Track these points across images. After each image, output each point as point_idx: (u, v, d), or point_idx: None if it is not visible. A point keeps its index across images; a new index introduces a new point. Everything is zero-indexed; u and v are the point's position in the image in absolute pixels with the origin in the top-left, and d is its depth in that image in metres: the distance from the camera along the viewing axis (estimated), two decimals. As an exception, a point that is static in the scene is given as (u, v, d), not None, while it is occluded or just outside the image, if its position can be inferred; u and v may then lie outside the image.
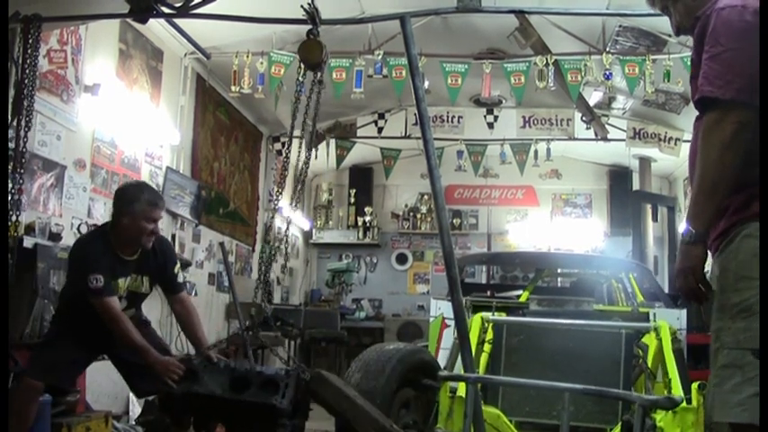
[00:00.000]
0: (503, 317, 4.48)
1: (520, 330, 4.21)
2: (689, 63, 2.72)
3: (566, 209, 12.45)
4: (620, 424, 3.48)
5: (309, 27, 3.99)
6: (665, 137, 9.04)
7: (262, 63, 7.05)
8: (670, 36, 6.90)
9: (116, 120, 6.03)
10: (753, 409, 1.91)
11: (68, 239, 5.06)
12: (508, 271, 11.64)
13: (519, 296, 6.02)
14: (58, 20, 4.69)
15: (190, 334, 4.02)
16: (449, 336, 4.87)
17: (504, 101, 9.24)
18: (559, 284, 8.83)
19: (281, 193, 4.20)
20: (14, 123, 4.28)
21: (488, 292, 6.71)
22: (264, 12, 4.84)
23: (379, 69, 7.17)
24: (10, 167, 4.20)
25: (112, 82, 5.91)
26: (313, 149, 4.42)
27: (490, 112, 9.24)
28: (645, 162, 10.85)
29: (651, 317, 4.69)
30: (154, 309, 5.51)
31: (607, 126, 9.25)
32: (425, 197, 12.31)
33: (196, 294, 7.50)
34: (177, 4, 4.59)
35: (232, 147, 8.81)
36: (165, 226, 6.61)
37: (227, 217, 8.72)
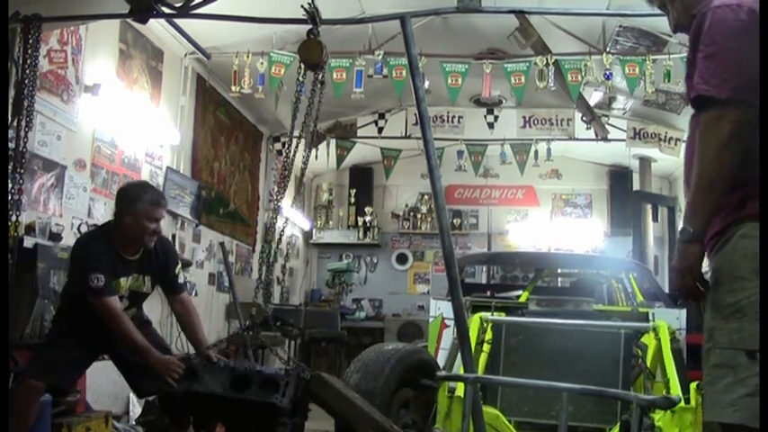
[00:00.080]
0: (502, 317, 4.49)
1: (519, 330, 4.22)
2: (688, 63, 2.71)
3: (566, 209, 12.45)
4: (618, 424, 3.48)
5: (310, 27, 3.99)
6: (666, 137, 9.05)
7: (262, 63, 7.06)
8: (670, 36, 6.90)
9: (116, 120, 6.03)
10: (744, 409, 1.91)
11: (68, 239, 5.06)
12: (508, 271, 11.64)
13: (519, 296, 6.03)
14: (59, 20, 4.69)
15: (190, 334, 4.02)
16: (448, 336, 4.88)
17: (504, 101, 9.24)
18: (559, 284, 8.83)
19: (281, 194, 4.21)
20: (14, 123, 4.29)
21: (488, 293, 6.72)
22: (264, 12, 4.84)
23: (380, 69, 7.17)
24: (10, 167, 4.20)
25: (113, 82, 5.91)
26: (313, 149, 4.42)
27: (490, 112, 9.24)
28: (645, 162, 10.85)
29: (651, 317, 4.69)
30: (154, 309, 5.51)
31: (607, 126, 9.25)
32: (425, 197, 12.31)
33: (196, 294, 7.51)
34: (177, 4, 4.60)
35: (232, 147, 8.81)
36: (165, 226, 6.60)
37: (228, 217, 8.73)
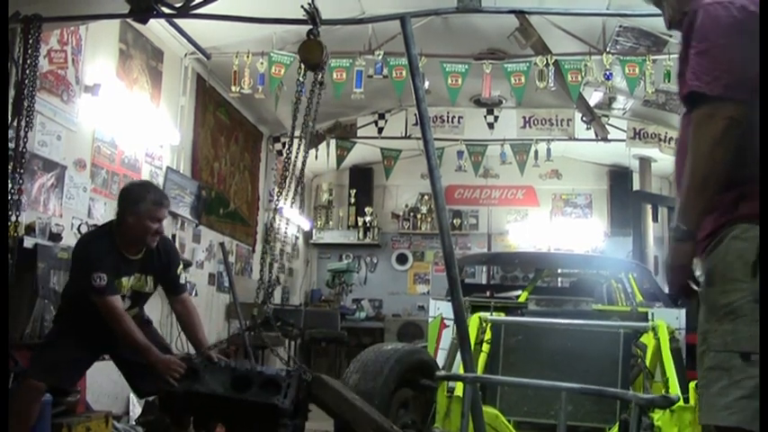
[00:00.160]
0: (501, 317, 4.49)
1: (518, 330, 4.22)
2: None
3: (566, 209, 12.45)
4: (617, 423, 3.48)
5: (310, 27, 4.00)
6: (666, 137, 9.05)
7: (262, 63, 7.06)
8: (670, 36, 6.90)
9: (116, 120, 6.03)
10: (740, 412, 1.90)
11: (69, 240, 5.07)
12: (508, 271, 11.64)
13: (518, 296, 6.03)
14: (59, 20, 4.70)
15: (191, 335, 4.03)
16: (448, 336, 4.88)
17: (504, 101, 9.24)
18: (559, 284, 8.84)
19: (281, 194, 4.21)
20: (14, 123, 4.29)
21: (488, 293, 6.72)
22: (264, 12, 4.84)
23: (380, 69, 7.17)
24: (10, 167, 4.20)
25: (113, 82, 5.92)
26: (313, 149, 4.43)
27: (490, 112, 9.24)
28: (645, 162, 10.85)
29: (650, 317, 4.69)
30: (154, 308, 5.52)
31: (607, 126, 9.25)
32: (426, 197, 12.31)
33: (196, 294, 7.51)
34: (177, 5, 4.60)
35: (232, 147, 8.82)
36: (165, 226, 6.61)
37: (228, 217, 8.73)
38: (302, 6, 3.96)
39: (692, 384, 3.55)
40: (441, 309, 5.17)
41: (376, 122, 9.69)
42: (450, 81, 7.09)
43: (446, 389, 3.82)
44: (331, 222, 12.46)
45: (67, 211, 5.37)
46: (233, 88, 7.29)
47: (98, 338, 3.81)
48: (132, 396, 5.78)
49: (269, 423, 3.30)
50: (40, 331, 4.43)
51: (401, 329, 11.04)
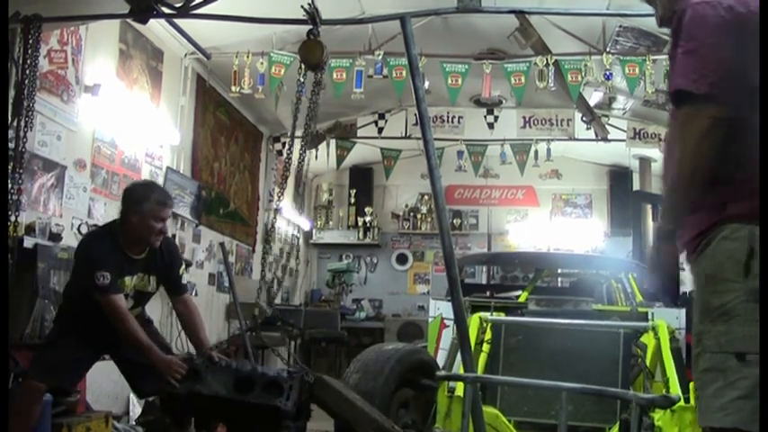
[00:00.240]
0: (501, 317, 4.49)
1: (518, 330, 4.22)
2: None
3: (566, 209, 12.45)
4: (618, 423, 3.48)
5: (310, 27, 4.00)
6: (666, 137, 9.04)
7: (262, 63, 7.05)
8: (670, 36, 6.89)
9: (116, 120, 6.03)
10: (736, 413, 1.89)
11: (69, 240, 5.07)
12: (508, 271, 11.64)
13: (518, 296, 6.03)
14: (59, 20, 4.70)
15: (192, 335, 4.03)
16: (448, 336, 4.88)
17: (504, 101, 9.24)
18: (559, 284, 8.84)
19: (281, 194, 4.22)
20: (14, 123, 4.29)
21: (488, 293, 6.72)
22: (264, 12, 4.84)
23: (380, 69, 7.17)
24: (10, 168, 4.21)
25: (113, 82, 5.91)
26: (313, 150, 4.43)
27: (490, 112, 9.24)
28: (645, 162, 10.85)
29: (650, 316, 4.69)
30: (154, 308, 5.52)
31: (607, 126, 9.24)
32: (426, 197, 12.31)
33: (196, 294, 7.51)
34: (177, 5, 4.60)
35: (232, 147, 8.82)
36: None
37: (228, 217, 8.73)
38: (302, 6, 3.96)
39: (692, 384, 3.54)
40: (441, 309, 5.17)
41: (376, 122, 9.68)
42: (450, 81, 7.09)
43: (447, 389, 3.82)
44: (331, 222, 12.46)
45: (67, 211, 5.37)
46: (233, 88, 7.29)
47: (99, 338, 3.81)
48: (132, 396, 5.78)
49: (271, 425, 3.30)
50: (40, 331, 4.43)
51: (401, 329, 11.05)
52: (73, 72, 5.45)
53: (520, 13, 6.24)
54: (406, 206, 12.57)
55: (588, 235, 11.97)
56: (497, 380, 4.03)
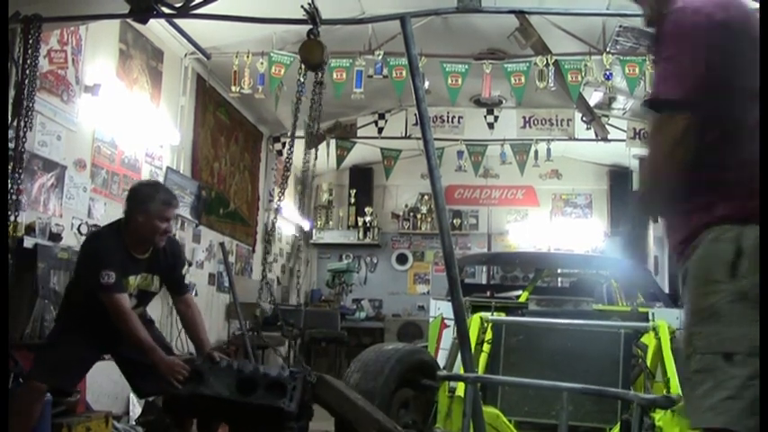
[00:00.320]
0: (502, 317, 4.48)
1: (519, 330, 4.21)
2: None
3: (566, 209, 12.45)
4: (619, 423, 3.48)
5: (310, 27, 4.00)
6: (665, 137, 9.03)
7: (262, 63, 7.06)
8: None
9: (116, 120, 6.03)
10: (726, 413, 1.89)
11: (69, 240, 5.07)
12: (508, 271, 11.64)
13: (519, 296, 6.03)
14: (59, 20, 4.70)
15: (193, 335, 4.03)
16: (448, 336, 4.88)
17: (504, 101, 9.24)
18: (559, 284, 8.83)
19: (282, 194, 4.22)
20: (14, 123, 4.29)
21: (488, 293, 6.72)
22: (264, 12, 4.84)
23: (380, 69, 7.17)
24: (10, 167, 4.20)
25: (113, 82, 5.91)
26: (313, 150, 4.43)
27: (490, 112, 9.24)
28: (645, 162, 10.83)
29: (650, 316, 4.69)
30: (155, 308, 5.51)
31: (607, 126, 9.24)
32: (425, 197, 12.31)
33: (196, 294, 7.49)
34: (177, 5, 4.60)
35: (232, 147, 8.82)
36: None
37: (228, 217, 8.73)
38: (302, 6, 3.96)
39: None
40: (441, 309, 5.17)
41: (376, 122, 9.69)
42: (450, 81, 7.09)
43: (447, 389, 3.81)
44: (331, 222, 12.45)
45: (67, 211, 5.36)
46: (233, 88, 7.29)
47: (101, 337, 3.80)
48: (132, 396, 5.77)
49: (274, 425, 3.30)
50: (40, 331, 4.42)
51: (401, 329, 11.05)
52: (73, 72, 5.45)
53: (520, 13, 6.24)
54: (406, 206, 12.56)
55: (588, 235, 11.96)
56: (498, 380, 4.02)
